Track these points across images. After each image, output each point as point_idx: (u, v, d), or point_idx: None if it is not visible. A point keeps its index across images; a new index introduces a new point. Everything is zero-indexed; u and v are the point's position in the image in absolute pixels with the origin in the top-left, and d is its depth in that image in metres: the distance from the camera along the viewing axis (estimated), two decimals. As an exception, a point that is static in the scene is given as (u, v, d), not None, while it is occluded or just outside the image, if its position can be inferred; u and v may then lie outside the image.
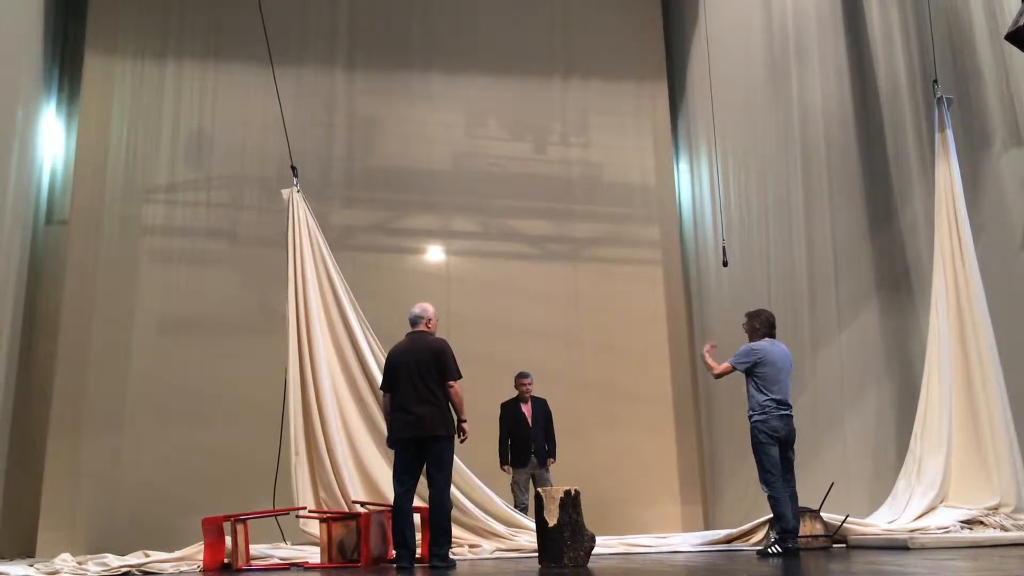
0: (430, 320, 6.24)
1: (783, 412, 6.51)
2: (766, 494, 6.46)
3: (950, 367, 7.56)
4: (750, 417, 6.59)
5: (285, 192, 8.29)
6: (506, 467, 8.61)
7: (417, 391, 5.90)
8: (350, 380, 7.92)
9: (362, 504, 7.11)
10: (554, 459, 8.73)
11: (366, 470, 7.64)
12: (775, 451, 6.46)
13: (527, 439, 8.60)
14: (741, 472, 9.22)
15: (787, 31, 9.93)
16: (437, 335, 6.29)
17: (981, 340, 7.45)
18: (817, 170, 9.42)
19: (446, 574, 5.53)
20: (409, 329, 6.26)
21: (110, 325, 10.04)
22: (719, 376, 6.82)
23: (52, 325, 9.96)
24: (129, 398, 9.91)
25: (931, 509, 7.32)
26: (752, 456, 6.59)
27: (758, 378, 6.57)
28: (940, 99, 7.95)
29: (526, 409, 8.73)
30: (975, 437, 7.39)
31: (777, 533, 6.42)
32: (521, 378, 8.81)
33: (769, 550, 6.37)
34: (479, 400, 7.91)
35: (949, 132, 7.84)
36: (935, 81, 8.05)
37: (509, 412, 8.75)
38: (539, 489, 5.82)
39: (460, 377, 6.05)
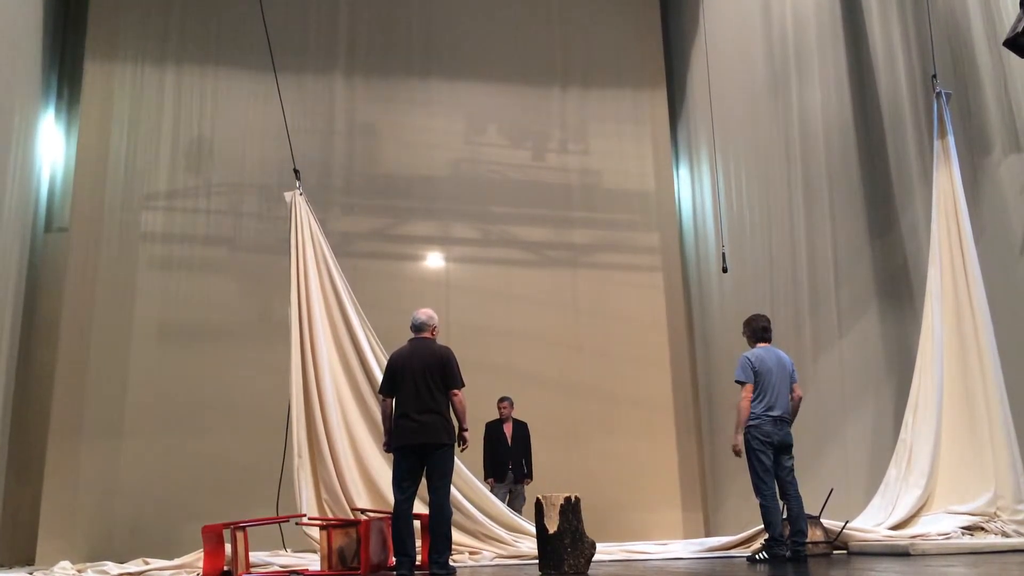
0: (435, 328, 6.23)
1: (776, 418, 6.50)
2: (758, 501, 6.47)
3: (942, 359, 7.59)
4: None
5: (288, 195, 8.29)
6: (489, 480, 9.04)
7: (421, 398, 5.87)
8: (352, 382, 7.93)
9: (362, 511, 7.10)
10: (531, 479, 9.22)
11: (369, 473, 7.63)
12: (767, 457, 6.46)
13: (505, 457, 9.14)
14: (742, 479, 9.19)
15: (787, 38, 9.95)
16: (437, 342, 6.27)
17: (981, 334, 7.44)
18: (817, 176, 9.43)
19: (446, 581, 5.52)
20: (409, 334, 6.23)
21: (109, 332, 10.04)
22: (748, 398, 6.54)
23: (52, 333, 9.96)
24: (128, 405, 9.90)
25: (923, 501, 7.36)
26: (748, 462, 6.59)
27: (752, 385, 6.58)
28: (939, 94, 7.95)
29: (507, 429, 9.26)
30: (970, 428, 7.40)
31: (765, 540, 6.50)
32: (500, 401, 9.34)
33: (757, 556, 6.46)
34: (478, 407, 7.93)
35: (950, 139, 7.85)
36: (934, 76, 8.04)
37: (491, 431, 9.27)
38: (539, 496, 5.81)
39: (464, 385, 6.03)
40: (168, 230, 10.63)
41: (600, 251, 11.66)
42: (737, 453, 6.54)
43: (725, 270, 9.10)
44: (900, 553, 6.36)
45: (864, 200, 9.10)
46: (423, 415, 5.84)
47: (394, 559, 5.89)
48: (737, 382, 6.60)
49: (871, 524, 7.33)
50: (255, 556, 6.74)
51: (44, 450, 9.57)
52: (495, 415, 9.30)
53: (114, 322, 10.09)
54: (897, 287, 8.84)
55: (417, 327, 6.16)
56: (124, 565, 6.97)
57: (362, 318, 8.10)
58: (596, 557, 5.89)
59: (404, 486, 5.88)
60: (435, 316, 6.24)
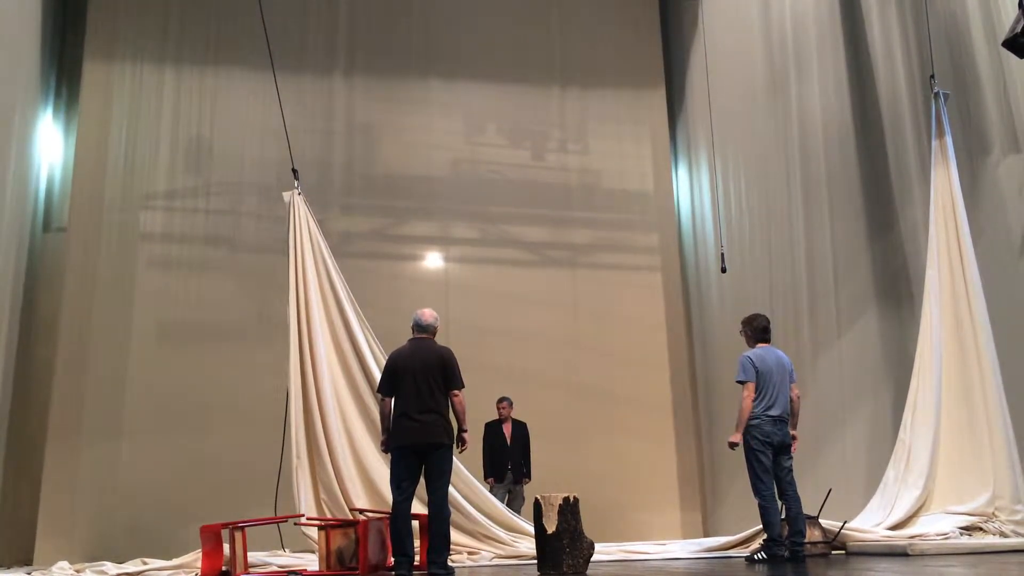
0: (437, 329, 6.22)
1: (775, 418, 6.50)
2: (757, 501, 6.48)
3: (941, 360, 7.60)
4: None
5: (287, 195, 8.29)
6: (489, 480, 9.07)
7: (421, 398, 5.87)
8: (351, 382, 7.92)
9: (361, 511, 7.10)
10: (529, 479, 9.24)
11: (367, 473, 7.63)
12: (767, 458, 6.46)
13: (504, 457, 9.18)
14: (741, 479, 9.19)
15: (786, 38, 9.95)
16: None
17: (979, 335, 7.45)
18: (816, 176, 9.44)
19: (444, 581, 5.52)
20: (408, 334, 6.22)
21: (108, 332, 10.03)
22: (750, 397, 6.53)
23: (50, 332, 9.95)
24: (127, 405, 9.89)
25: (922, 502, 7.38)
26: (748, 462, 6.59)
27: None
28: (937, 94, 7.96)
29: (506, 429, 9.30)
30: (968, 428, 7.42)
31: (763, 540, 6.51)
32: (499, 402, 9.37)
33: (756, 556, 6.47)
34: (477, 407, 7.92)
35: (948, 139, 7.86)
36: (932, 76, 8.05)
37: (490, 431, 9.30)
38: (538, 496, 5.81)
39: (464, 386, 6.03)
40: (167, 230, 10.62)
41: (599, 251, 11.66)
42: (732, 447, 6.55)
43: (724, 270, 9.10)
44: (898, 553, 6.37)
45: (863, 200, 9.11)
46: (423, 415, 5.84)
47: (393, 559, 5.89)
48: (738, 382, 6.61)
49: (870, 524, 7.34)
50: (253, 556, 6.74)
51: (43, 449, 9.56)
52: (494, 415, 9.31)
53: (113, 322, 10.08)
54: (896, 287, 8.85)
55: (422, 328, 6.13)
56: (122, 565, 6.97)
57: (361, 318, 8.10)
58: (595, 557, 5.89)
59: (403, 486, 5.88)
60: (438, 318, 6.24)
